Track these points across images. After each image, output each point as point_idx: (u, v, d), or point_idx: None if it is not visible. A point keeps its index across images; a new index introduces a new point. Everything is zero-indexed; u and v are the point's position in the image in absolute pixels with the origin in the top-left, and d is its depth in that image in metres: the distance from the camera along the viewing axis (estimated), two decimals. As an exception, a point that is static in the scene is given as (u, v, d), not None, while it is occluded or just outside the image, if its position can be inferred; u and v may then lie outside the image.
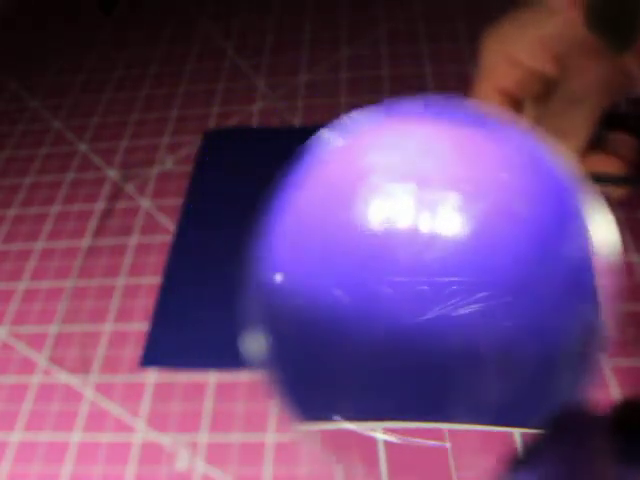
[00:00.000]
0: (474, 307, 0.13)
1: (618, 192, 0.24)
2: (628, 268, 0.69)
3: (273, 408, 0.64)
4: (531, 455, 0.11)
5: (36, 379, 0.70)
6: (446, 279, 0.13)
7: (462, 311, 0.13)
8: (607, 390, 0.60)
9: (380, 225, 0.14)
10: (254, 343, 0.14)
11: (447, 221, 0.14)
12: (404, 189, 0.14)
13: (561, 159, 0.16)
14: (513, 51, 0.22)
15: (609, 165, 0.24)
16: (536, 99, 0.24)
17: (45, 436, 0.65)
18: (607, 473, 0.11)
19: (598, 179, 0.23)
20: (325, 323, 0.13)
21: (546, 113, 0.24)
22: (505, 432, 0.13)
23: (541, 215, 0.14)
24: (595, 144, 0.24)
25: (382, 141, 0.16)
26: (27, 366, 0.72)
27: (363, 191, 0.15)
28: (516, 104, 0.24)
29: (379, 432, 0.14)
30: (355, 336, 0.13)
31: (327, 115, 0.93)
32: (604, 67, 0.21)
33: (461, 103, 0.16)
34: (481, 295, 0.13)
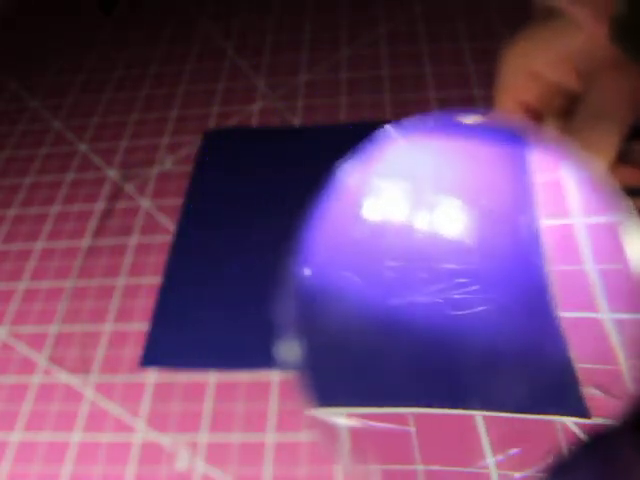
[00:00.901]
0: (464, 295, 0.14)
1: None
2: (628, 268, 0.68)
3: (273, 408, 0.64)
4: (565, 465, 0.11)
5: (36, 379, 0.70)
6: (438, 265, 0.14)
7: (455, 296, 0.14)
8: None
9: (380, 220, 0.15)
10: (287, 341, 0.15)
11: (442, 218, 0.15)
12: (404, 190, 0.15)
13: (590, 172, 0.16)
14: (535, 65, 0.22)
15: (636, 178, 0.23)
16: (558, 113, 0.24)
17: (45, 436, 0.65)
18: None
19: (626, 192, 0.23)
20: (342, 301, 0.15)
21: (570, 128, 0.23)
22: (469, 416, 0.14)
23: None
24: (621, 157, 0.24)
25: (392, 154, 0.17)
26: (27, 366, 0.72)
27: (369, 194, 0.16)
28: (537, 118, 0.24)
29: (342, 417, 0.15)
30: (364, 311, 0.14)
31: (327, 115, 0.93)
32: (629, 81, 0.21)
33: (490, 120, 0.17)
34: (472, 287, 0.13)
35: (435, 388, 0.14)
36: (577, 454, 0.12)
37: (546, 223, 0.14)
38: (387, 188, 0.16)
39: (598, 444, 0.11)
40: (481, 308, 0.14)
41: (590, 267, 0.14)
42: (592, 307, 0.13)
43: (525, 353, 0.13)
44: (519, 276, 0.14)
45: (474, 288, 0.14)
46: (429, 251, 0.15)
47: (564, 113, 0.24)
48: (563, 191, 0.15)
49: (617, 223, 0.14)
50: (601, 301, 0.13)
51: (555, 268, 0.14)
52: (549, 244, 0.14)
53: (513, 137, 0.16)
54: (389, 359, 0.14)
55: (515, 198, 0.15)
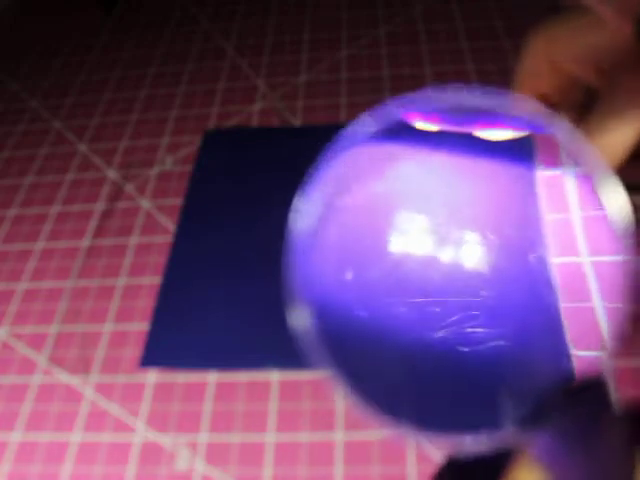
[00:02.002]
0: (476, 329, 0.14)
1: None
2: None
3: (273, 408, 0.64)
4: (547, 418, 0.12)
5: (36, 379, 0.70)
6: (454, 301, 0.14)
7: (467, 332, 0.14)
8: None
9: (400, 255, 0.15)
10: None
11: (464, 254, 0.15)
12: (425, 223, 0.15)
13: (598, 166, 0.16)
14: (557, 57, 0.22)
15: None
16: (573, 107, 0.24)
17: (45, 436, 0.65)
18: (619, 442, 0.11)
19: (636, 188, 0.23)
20: (358, 339, 0.15)
21: (586, 123, 0.23)
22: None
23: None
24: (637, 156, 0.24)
25: (406, 171, 0.17)
26: (27, 366, 0.72)
27: (390, 223, 0.16)
28: (552, 109, 0.24)
29: None
30: (380, 348, 0.14)
31: (327, 115, 0.93)
32: None
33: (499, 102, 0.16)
34: (484, 320, 0.13)
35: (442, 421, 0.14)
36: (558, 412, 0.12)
37: (556, 258, 0.14)
38: (404, 218, 0.16)
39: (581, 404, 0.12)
40: (493, 343, 0.14)
41: (597, 303, 0.14)
42: (599, 345, 0.13)
43: (533, 382, 0.13)
44: (531, 312, 0.14)
45: (487, 321, 0.14)
46: (443, 286, 0.15)
47: (580, 108, 0.24)
48: (571, 226, 0.15)
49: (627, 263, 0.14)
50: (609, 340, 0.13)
51: (566, 304, 0.14)
52: (560, 279, 0.14)
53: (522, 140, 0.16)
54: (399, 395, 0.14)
55: (526, 225, 0.15)
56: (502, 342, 0.13)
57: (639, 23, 0.20)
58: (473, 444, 0.12)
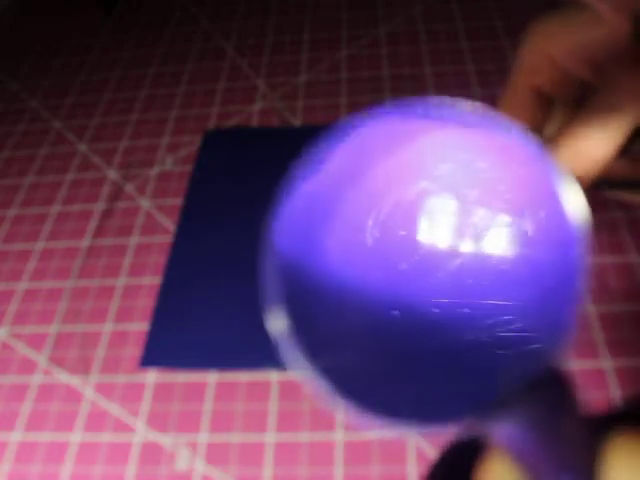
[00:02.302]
0: (510, 332, 0.13)
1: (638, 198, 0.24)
2: (628, 268, 0.69)
3: (273, 408, 0.64)
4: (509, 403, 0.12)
5: (36, 379, 0.70)
6: (486, 303, 0.14)
7: (499, 334, 0.13)
8: (607, 390, 0.60)
9: (428, 246, 0.15)
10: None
11: (490, 244, 0.14)
12: (452, 209, 0.15)
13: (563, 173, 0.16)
14: (554, 51, 0.22)
15: (634, 171, 0.24)
16: (568, 102, 0.24)
17: (45, 436, 0.65)
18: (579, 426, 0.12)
19: (620, 185, 0.23)
20: (385, 337, 0.14)
21: (578, 118, 0.24)
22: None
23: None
24: (625, 154, 0.24)
25: (426, 150, 0.16)
26: (27, 366, 0.72)
27: (417, 209, 0.15)
28: (547, 104, 0.24)
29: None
30: (409, 348, 0.14)
31: (327, 115, 0.93)
32: (637, 79, 0.21)
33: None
34: (516, 325, 0.13)
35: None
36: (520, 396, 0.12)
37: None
38: (431, 204, 0.15)
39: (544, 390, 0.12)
40: (527, 347, 0.13)
41: None
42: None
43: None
44: (565, 313, 0.13)
45: (519, 325, 0.14)
46: (473, 285, 0.14)
47: (574, 102, 0.24)
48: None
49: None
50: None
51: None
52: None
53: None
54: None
55: (551, 208, 0.14)
56: (538, 345, 0.13)
57: (636, 20, 0.20)
58: (437, 430, 0.12)
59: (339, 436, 0.61)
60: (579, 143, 0.22)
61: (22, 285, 0.80)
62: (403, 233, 0.15)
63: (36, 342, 0.74)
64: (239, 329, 0.69)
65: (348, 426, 0.61)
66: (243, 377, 0.66)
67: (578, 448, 0.12)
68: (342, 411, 0.12)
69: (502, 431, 0.12)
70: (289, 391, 0.65)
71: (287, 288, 0.14)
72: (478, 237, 0.15)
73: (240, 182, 0.86)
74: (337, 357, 0.13)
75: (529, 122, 0.24)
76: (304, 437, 0.61)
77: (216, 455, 0.61)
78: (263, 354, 0.67)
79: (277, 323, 0.13)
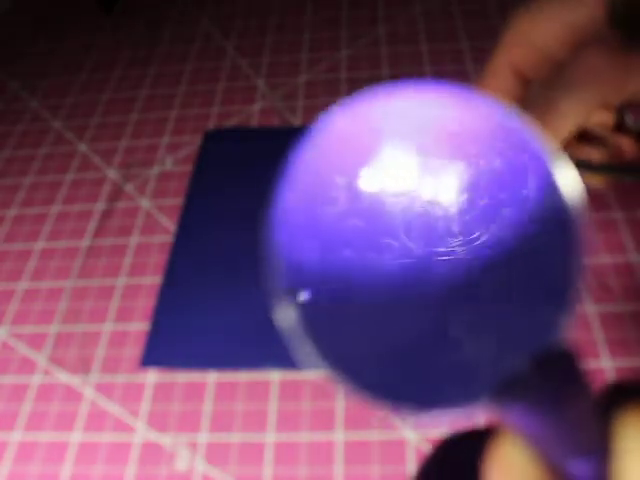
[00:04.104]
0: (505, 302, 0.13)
1: (597, 180, 0.24)
2: (628, 268, 0.69)
3: (273, 408, 0.64)
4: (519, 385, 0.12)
5: (36, 379, 0.70)
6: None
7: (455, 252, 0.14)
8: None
9: (378, 190, 0.15)
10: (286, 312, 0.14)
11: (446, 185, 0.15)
12: (405, 157, 0.15)
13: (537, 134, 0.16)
14: (535, 33, 0.23)
15: (593, 154, 0.24)
16: (544, 83, 0.25)
17: (45, 436, 0.65)
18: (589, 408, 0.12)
19: (581, 165, 0.24)
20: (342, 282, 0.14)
21: (544, 95, 0.25)
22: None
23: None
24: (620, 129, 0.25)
25: (384, 105, 0.16)
26: (27, 366, 0.72)
27: (371, 157, 0.15)
28: (524, 83, 0.25)
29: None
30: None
31: (327, 115, 0.93)
32: (609, 62, 0.22)
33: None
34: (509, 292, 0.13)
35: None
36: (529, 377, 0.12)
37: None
38: (388, 149, 0.15)
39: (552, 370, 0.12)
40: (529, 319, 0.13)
41: None
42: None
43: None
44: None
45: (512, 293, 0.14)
46: (431, 223, 0.14)
47: (549, 83, 0.25)
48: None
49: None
50: None
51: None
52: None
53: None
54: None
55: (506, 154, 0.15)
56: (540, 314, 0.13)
57: (610, 7, 0.21)
58: (448, 414, 0.12)
59: (339, 436, 0.61)
60: (543, 117, 0.24)
61: (22, 285, 0.80)
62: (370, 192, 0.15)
63: (36, 342, 0.74)
64: (239, 329, 0.69)
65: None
66: (243, 377, 0.67)
67: (591, 429, 0.12)
68: (371, 405, 0.12)
69: (513, 413, 0.12)
70: (289, 391, 0.65)
71: (289, 278, 0.14)
72: (433, 184, 0.15)
73: (240, 182, 0.86)
74: (347, 341, 0.13)
75: (505, 99, 0.25)
76: (304, 437, 0.61)
77: (216, 455, 0.61)
78: (263, 354, 0.67)
79: (284, 315, 0.13)
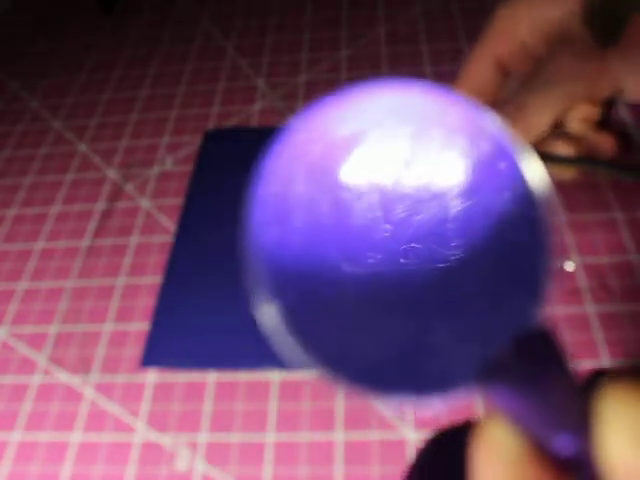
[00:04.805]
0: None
1: (569, 173, 0.25)
2: (628, 268, 0.69)
3: (273, 408, 0.64)
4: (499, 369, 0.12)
5: (36, 379, 0.70)
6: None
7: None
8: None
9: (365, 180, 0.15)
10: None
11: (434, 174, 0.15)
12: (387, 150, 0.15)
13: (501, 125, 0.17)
14: (518, 27, 0.24)
15: (565, 148, 0.25)
16: (524, 75, 0.26)
17: (45, 436, 0.65)
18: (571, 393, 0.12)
19: (551, 158, 0.24)
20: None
21: (519, 90, 0.25)
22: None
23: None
24: (604, 126, 0.26)
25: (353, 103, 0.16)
26: (27, 366, 0.72)
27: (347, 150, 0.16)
28: (504, 75, 0.25)
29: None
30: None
31: (327, 115, 0.93)
32: (582, 59, 0.23)
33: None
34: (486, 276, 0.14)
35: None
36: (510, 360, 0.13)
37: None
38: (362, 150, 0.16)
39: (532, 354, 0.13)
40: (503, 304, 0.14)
41: None
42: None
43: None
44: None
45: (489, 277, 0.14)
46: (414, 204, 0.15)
47: (529, 76, 0.26)
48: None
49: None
50: None
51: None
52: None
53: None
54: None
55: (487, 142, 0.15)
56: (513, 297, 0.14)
57: (585, 6, 0.22)
58: (430, 401, 0.12)
59: (339, 436, 0.61)
60: (517, 111, 0.24)
61: (22, 285, 0.80)
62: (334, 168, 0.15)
63: (36, 342, 0.74)
64: (240, 329, 0.69)
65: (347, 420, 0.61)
66: (243, 377, 0.67)
67: (572, 406, 0.12)
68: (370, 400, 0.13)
69: (496, 394, 0.13)
70: (289, 391, 0.65)
71: (267, 275, 0.14)
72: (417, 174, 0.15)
73: (240, 182, 0.86)
74: (330, 336, 0.14)
75: (485, 90, 0.26)
76: (304, 437, 0.61)
77: (216, 455, 0.61)
78: (263, 354, 0.67)
79: (266, 315, 0.14)
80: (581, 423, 0.12)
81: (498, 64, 0.25)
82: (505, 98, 0.26)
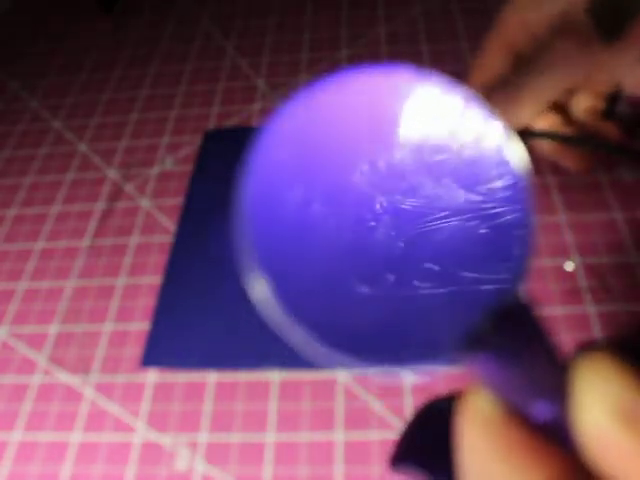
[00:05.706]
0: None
1: (549, 146, 0.26)
2: (628, 268, 0.69)
3: (273, 408, 0.64)
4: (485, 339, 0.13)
5: (36, 379, 0.70)
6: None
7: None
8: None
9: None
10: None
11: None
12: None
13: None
14: (528, 16, 0.25)
15: (553, 124, 0.26)
16: (521, 59, 0.27)
17: (45, 436, 0.65)
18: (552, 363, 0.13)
19: (541, 135, 0.25)
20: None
21: (518, 73, 0.27)
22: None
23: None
24: (609, 117, 0.27)
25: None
26: (27, 366, 0.72)
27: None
28: (517, 60, 0.26)
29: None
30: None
31: (327, 115, 0.93)
32: (581, 48, 0.24)
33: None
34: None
35: None
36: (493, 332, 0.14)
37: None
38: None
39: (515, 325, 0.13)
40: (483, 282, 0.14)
41: None
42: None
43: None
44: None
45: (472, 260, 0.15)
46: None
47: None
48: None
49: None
50: None
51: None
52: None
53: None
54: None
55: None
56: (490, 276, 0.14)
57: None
58: (416, 370, 0.13)
59: (339, 436, 0.61)
60: (515, 94, 0.25)
61: (22, 285, 0.80)
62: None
63: (36, 342, 0.74)
64: (240, 329, 0.69)
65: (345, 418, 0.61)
66: (243, 377, 0.67)
67: (550, 374, 0.13)
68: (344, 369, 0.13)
69: (477, 364, 0.13)
70: (289, 391, 0.65)
71: (257, 252, 0.15)
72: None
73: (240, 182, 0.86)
74: (317, 306, 0.14)
75: (497, 74, 0.27)
76: (304, 437, 0.61)
77: (216, 455, 0.61)
78: (263, 354, 0.67)
79: (257, 288, 0.14)
80: (559, 390, 0.12)
81: (512, 52, 0.26)
82: (504, 81, 0.27)
